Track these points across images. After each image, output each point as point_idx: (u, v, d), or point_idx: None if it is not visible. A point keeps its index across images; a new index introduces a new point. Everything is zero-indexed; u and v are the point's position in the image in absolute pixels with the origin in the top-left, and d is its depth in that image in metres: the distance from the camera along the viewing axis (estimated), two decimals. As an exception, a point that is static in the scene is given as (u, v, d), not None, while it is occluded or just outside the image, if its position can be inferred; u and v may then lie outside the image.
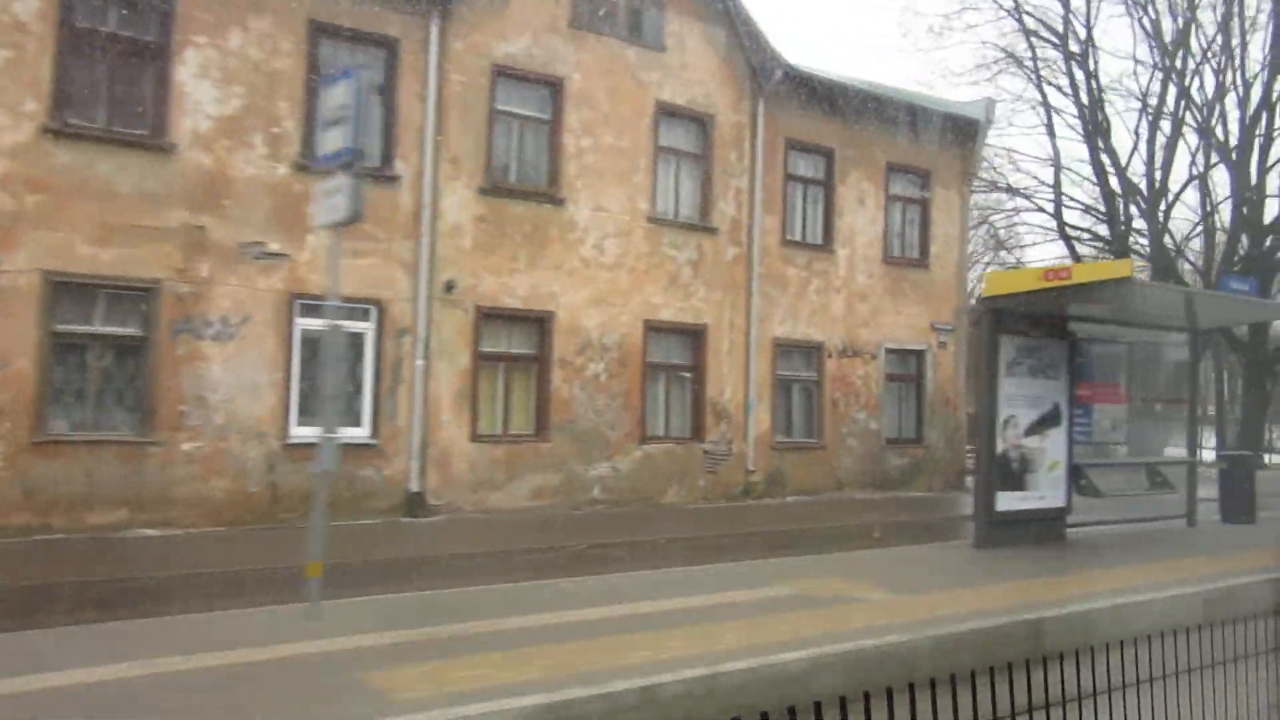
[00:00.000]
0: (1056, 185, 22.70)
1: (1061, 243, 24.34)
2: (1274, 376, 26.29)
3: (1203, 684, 3.07)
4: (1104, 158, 21.58)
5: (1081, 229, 24.50)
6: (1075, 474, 9.83)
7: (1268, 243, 24.31)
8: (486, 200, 13.13)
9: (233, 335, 11.44)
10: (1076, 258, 23.96)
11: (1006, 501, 9.20)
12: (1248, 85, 21.38)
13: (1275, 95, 21.34)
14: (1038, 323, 9.41)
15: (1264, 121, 21.33)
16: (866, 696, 2.09)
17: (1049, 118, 22.47)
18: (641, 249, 14.48)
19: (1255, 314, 12.58)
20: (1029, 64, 22.41)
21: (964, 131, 18.21)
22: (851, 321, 16.89)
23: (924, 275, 17.87)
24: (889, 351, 17.36)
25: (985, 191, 23.77)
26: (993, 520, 9.04)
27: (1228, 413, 30.67)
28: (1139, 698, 2.85)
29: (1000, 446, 9.15)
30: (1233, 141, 23.18)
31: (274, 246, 11.70)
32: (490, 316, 13.21)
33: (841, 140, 16.75)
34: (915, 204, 17.99)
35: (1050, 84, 22.73)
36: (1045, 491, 9.54)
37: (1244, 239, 22.10)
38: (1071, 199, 24.32)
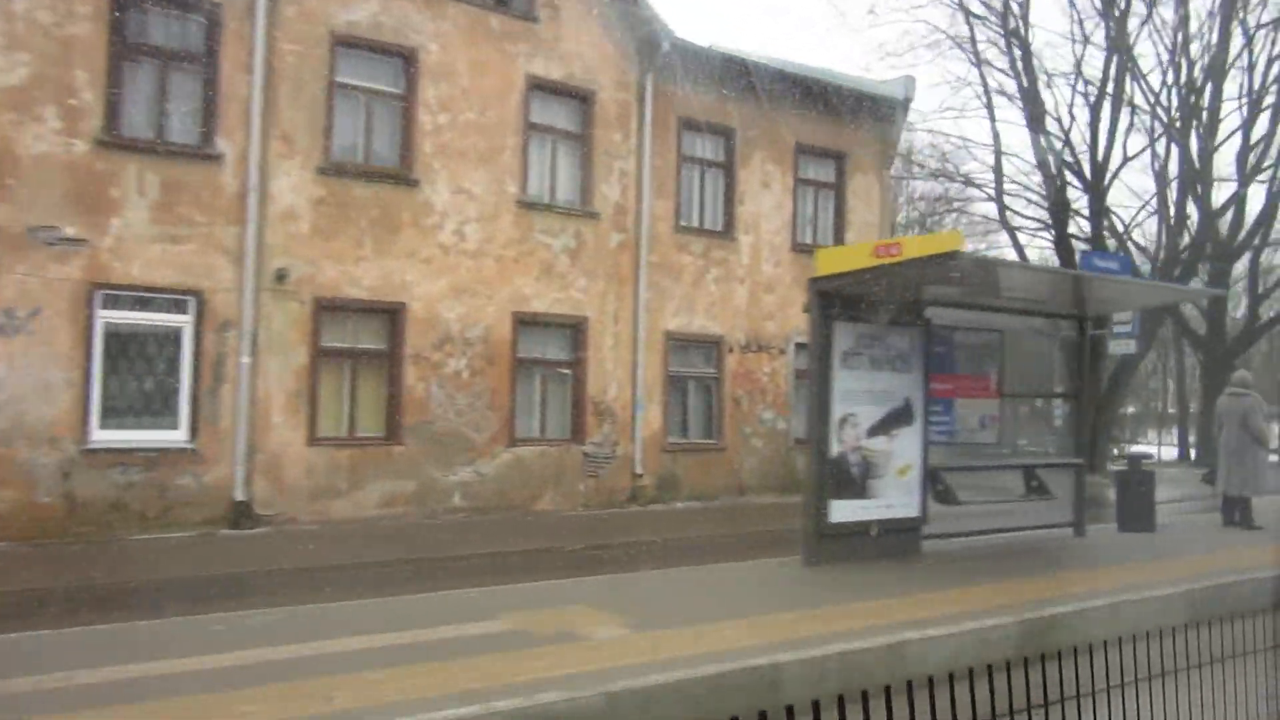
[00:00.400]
0: (997, 169, 21.54)
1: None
2: (1231, 370, 25.17)
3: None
4: (1044, 141, 20.44)
5: (1029, 218, 23.37)
6: (933, 479, 8.69)
7: (1228, 227, 23.22)
8: (326, 181, 11.98)
9: (18, 330, 10.29)
10: (1019, 248, 22.86)
11: (844, 511, 8.05)
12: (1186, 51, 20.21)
13: (1226, 63, 20.20)
14: (882, 307, 8.27)
15: (1208, 93, 20.16)
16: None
17: (988, 100, 21.33)
18: (510, 235, 13.33)
19: (1144, 296, 11.35)
20: (968, 44, 21.24)
21: (883, 112, 17.09)
22: (756, 314, 15.76)
23: (839, 264, 16.71)
24: (800, 346, 16.21)
25: (921, 178, 22.62)
26: (824, 533, 7.89)
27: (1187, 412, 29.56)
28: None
29: (836, 449, 8.01)
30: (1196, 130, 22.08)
31: (71, 231, 10.56)
32: (332, 308, 12.06)
33: (744, 120, 15.62)
34: (829, 188, 16.86)
35: (990, 65, 21.60)
36: (894, 499, 8.39)
37: (1193, 221, 20.95)
38: (1026, 187, 23.15)
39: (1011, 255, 23.06)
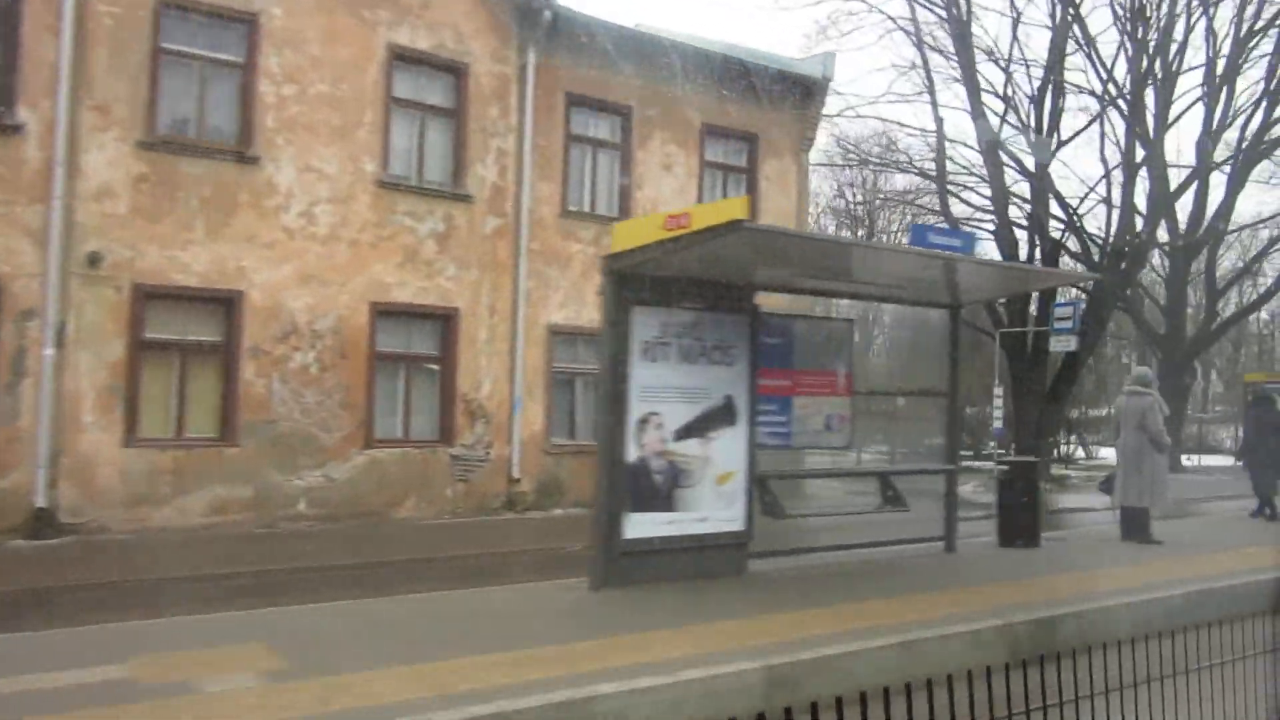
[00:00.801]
0: (939, 156, 20.40)
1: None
2: (1192, 371, 24.09)
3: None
4: (984, 124, 19.33)
5: (976, 207, 22.28)
6: (760, 488, 7.61)
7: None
8: (149, 156, 10.91)
9: None
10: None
11: (644, 526, 6.96)
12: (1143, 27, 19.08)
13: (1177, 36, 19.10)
14: (696, 290, 7.19)
15: (1158, 66, 19.01)
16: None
17: (929, 82, 20.20)
18: (367, 218, 12.25)
19: (1010, 283, 10.11)
20: (908, 21, 20.10)
21: (800, 92, 16.01)
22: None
23: (750, 254, 15.66)
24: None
25: (849, 165, 21.48)
26: (614, 553, 6.81)
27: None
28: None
29: (635, 453, 6.93)
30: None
31: None
32: (156, 296, 10.99)
33: (642, 98, 14.55)
34: (740, 172, 15.79)
35: (933, 48, 20.47)
36: (711, 511, 7.30)
37: (1143, 206, 19.83)
38: (973, 174, 22.02)
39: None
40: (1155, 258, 23.73)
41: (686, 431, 7.17)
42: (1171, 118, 20.04)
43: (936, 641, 5.59)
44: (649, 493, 6.99)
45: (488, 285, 13.14)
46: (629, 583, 6.84)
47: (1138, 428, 9.49)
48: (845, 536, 8.49)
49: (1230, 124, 21.21)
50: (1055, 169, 23.33)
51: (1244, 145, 21.07)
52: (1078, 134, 20.48)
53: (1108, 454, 27.33)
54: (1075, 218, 20.06)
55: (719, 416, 7.35)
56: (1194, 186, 22.58)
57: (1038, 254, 19.79)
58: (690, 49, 14.70)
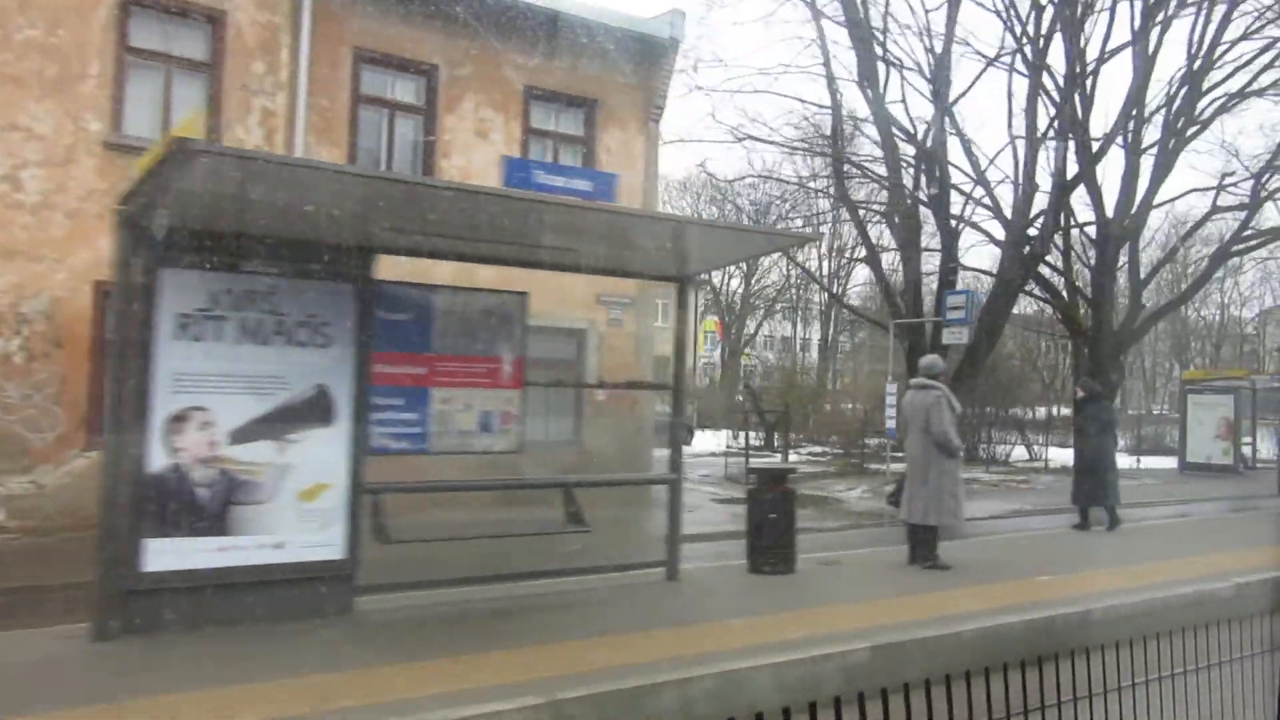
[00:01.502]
0: (834, 134, 18.75)
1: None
2: (1119, 367, 22.44)
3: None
4: (873, 96, 17.70)
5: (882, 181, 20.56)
6: (373, 504, 5.98)
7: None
8: None
9: None
10: (863, 227, 20.09)
11: (176, 555, 5.32)
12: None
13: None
14: (274, 250, 5.57)
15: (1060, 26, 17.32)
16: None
17: (825, 58, 18.55)
18: (93, 185, 10.62)
19: (739, 248, 8.19)
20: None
21: (644, 54, 14.39)
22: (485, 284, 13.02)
23: (587, 234, 14.03)
24: (530, 330, 13.51)
25: (699, 142, 19.72)
26: (123, 590, 5.18)
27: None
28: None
29: (164, 460, 5.31)
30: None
31: None
32: None
33: (451, 56, 12.92)
34: (575, 142, 14.16)
35: (830, 19, 18.83)
36: (292, 535, 5.68)
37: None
38: (869, 152, 20.32)
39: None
40: (1080, 246, 22.01)
41: (251, 432, 5.55)
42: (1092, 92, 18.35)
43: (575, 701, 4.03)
44: (186, 511, 5.37)
45: (250, 264, 11.51)
46: (155, 629, 5.23)
47: (923, 429, 7.86)
48: (537, 562, 6.89)
49: (1156, 109, 19.50)
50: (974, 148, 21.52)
51: (1169, 126, 19.42)
52: (963, 94, 18.64)
53: (1060, 455, 25.64)
54: (982, 196, 18.40)
55: (305, 413, 5.73)
56: (1123, 170, 20.96)
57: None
58: (503, 2, 13.07)
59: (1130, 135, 19.78)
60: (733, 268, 49.53)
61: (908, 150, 18.42)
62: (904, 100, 23.54)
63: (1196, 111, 19.61)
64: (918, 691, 2.00)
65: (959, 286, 18.15)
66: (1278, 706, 2.98)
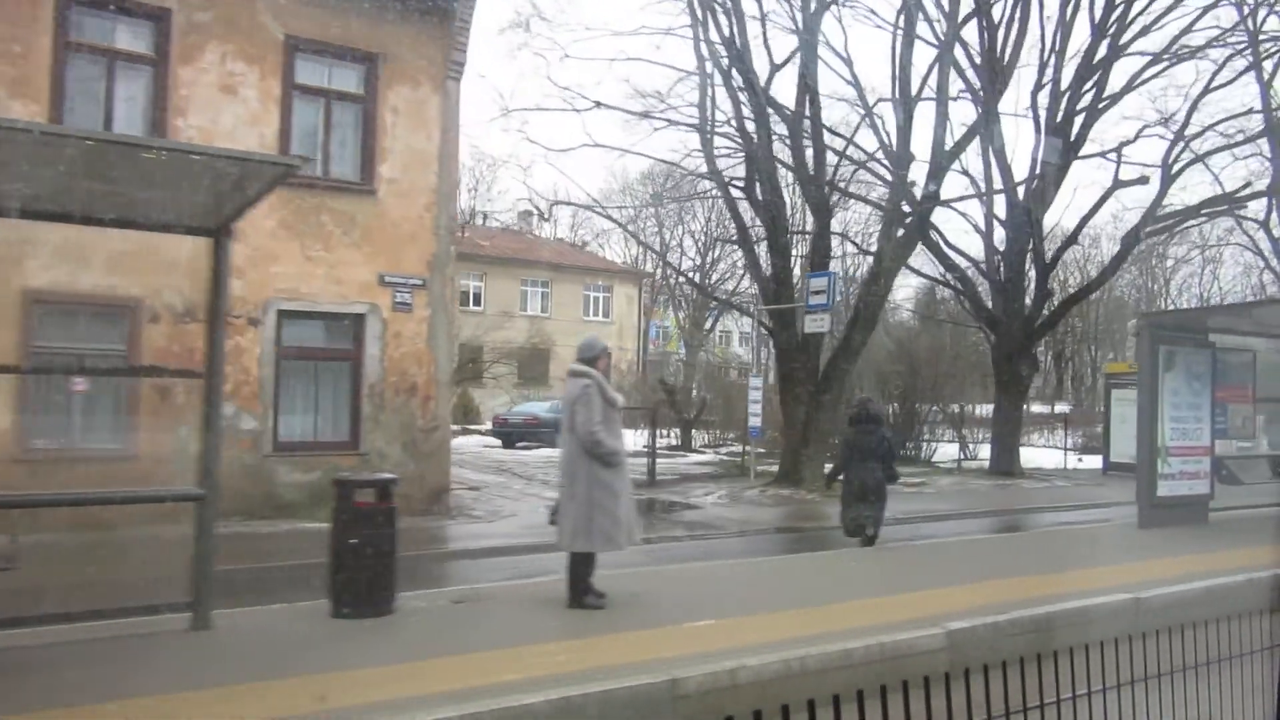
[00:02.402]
0: (701, 102, 17.00)
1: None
2: (1032, 362, 20.71)
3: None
4: (704, 41, 15.98)
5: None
6: None
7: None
8: None
9: None
10: (733, 206, 18.32)
11: None
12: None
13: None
14: None
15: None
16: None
17: (694, 16, 16.76)
18: None
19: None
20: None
21: (435, 4, 12.66)
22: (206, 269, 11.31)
23: (367, 206, 12.32)
24: (289, 315, 11.83)
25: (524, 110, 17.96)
26: None
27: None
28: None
29: None
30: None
31: None
32: None
33: (189, -1, 11.21)
34: (353, 101, 12.43)
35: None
36: None
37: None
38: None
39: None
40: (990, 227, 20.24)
41: None
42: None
43: None
44: None
45: (-87, 236, 9.81)
46: None
47: (569, 428, 6.14)
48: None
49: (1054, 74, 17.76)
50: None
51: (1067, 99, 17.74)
52: (790, 57, 16.67)
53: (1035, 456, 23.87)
54: (852, 155, 16.63)
55: None
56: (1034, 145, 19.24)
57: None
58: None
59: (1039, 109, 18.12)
60: (686, 259, 47.97)
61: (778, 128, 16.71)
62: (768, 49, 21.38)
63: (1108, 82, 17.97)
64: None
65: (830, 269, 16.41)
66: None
